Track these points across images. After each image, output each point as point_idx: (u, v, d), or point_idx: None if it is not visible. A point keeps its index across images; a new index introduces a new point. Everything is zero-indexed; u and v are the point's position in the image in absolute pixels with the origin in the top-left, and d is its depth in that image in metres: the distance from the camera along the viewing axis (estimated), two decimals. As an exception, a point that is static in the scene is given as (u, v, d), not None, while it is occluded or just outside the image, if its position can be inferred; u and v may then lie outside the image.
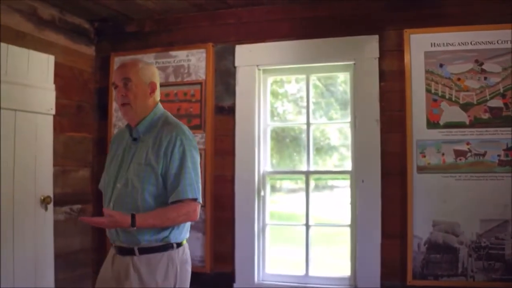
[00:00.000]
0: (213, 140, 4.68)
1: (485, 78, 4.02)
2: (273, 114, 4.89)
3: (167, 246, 2.90)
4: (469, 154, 4.02)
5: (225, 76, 4.70)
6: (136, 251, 2.85)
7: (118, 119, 4.93)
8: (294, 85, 5.31)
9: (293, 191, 4.68)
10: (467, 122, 4.04)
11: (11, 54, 4.07)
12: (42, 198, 4.27)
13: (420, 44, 4.14)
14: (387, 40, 4.25)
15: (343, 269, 4.48)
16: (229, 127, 4.65)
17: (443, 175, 4.06)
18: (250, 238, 4.51)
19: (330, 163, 7.24)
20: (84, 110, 4.98)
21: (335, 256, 6.57)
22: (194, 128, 4.62)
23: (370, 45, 4.26)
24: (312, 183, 4.62)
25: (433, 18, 4.13)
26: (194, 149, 3.00)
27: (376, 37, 4.25)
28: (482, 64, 4.03)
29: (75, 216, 4.76)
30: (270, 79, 4.79)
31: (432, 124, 4.09)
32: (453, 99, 4.06)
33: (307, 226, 4.51)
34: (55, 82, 4.46)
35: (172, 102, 4.77)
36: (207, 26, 4.79)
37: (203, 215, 4.57)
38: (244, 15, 4.67)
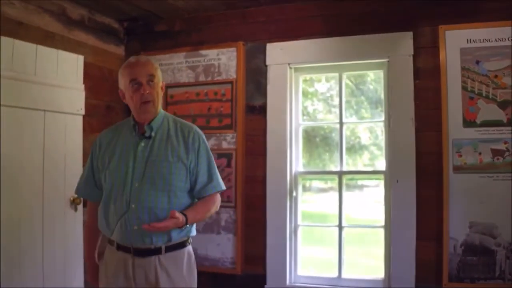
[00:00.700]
0: (244, 140, 4.63)
1: (523, 75, 3.91)
2: (303, 113, 4.82)
3: (186, 242, 2.96)
4: (506, 153, 3.91)
5: (256, 75, 4.65)
6: (163, 250, 2.85)
7: None
8: (324, 84, 5.25)
9: (323, 190, 4.61)
10: (505, 121, 3.93)
11: (40, 55, 4.05)
12: (72, 199, 4.23)
13: (456, 41, 4.03)
14: (422, 37, 4.15)
15: (377, 269, 4.39)
16: (261, 126, 4.60)
17: (480, 175, 3.95)
18: (281, 239, 4.45)
19: (360, 162, 7.17)
20: (114, 110, 4.95)
21: (368, 256, 6.49)
22: (225, 128, 4.63)
23: (404, 42, 4.17)
24: (344, 183, 4.55)
25: (469, 13, 4.03)
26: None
27: (410, 33, 4.16)
28: (520, 60, 3.92)
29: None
30: (302, 78, 4.73)
31: (468, 122, 3.98)
32: (490, 96, 3.95)
33: (340, 227, 4.43)
34: (84, 82, 4.43)
35: (202, 102, 4.74)
36: (237, 25, 4.74)
37: (234, 215, 4.55)
38: (275, 13, 4.60)
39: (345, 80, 4.65)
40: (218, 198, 3.06)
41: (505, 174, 3.90)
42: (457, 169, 3.99)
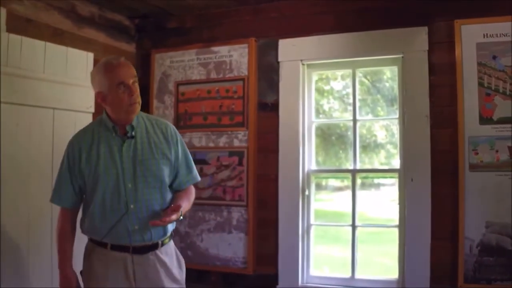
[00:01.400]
0: (256, 138, 4.57)
1: (542, 71, 3.81)
2: (318, 111, 4.77)
3: (171, 235, 3.15)
4: (525, 151, 3.81)
5: (268, 72, 4.59)
6: (160, 244, 3.00)
7: (159, 117, 4.84)
8: (340, 82, 5.20)
9: (339, 189, 4.55)
10: (523, 118, 3.83)
11: (49, 52, 4.01)
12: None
13: (472, 35, 3.93)
14: (437, 32, 4.05)
15: (393, 269, 4.30)
16: (273, 124, 4.52)
17: (497, 174, 3.84)
18: (294, 239, 4.38)
19: (376, 160, 7.12)
20: (124, 108, 4.89)
21: (384, 255, 6.43)
22: (236, 125, 4.58)
23: (419, 37, 4.07)
24: (358, 182, 4.47)
25: (485, 7, 3.91)
26: None
27: (425, 28, 4.06)
28: (538, 56, 3.81)
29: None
30: (315, 74, 4.65)
31: (485, 119, 3.88)
32: (508, 93, 3.84)
33: (354, 226, 4.34)
34: (94, 79, 4.37)
35: (214, 99, 4.69)
36: (249, 21, 4.68)
37: (245, 215, 4.50)
38: (287, 9, 4.53)
39: (360, 78, 4.58)
40: (194, 189, 3.30)
41: (523, 173, 3.80)
42: (473, 167, 3.88)
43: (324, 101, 6.05)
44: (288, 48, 4.50)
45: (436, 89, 4.04)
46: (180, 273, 3.14)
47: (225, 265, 4.55)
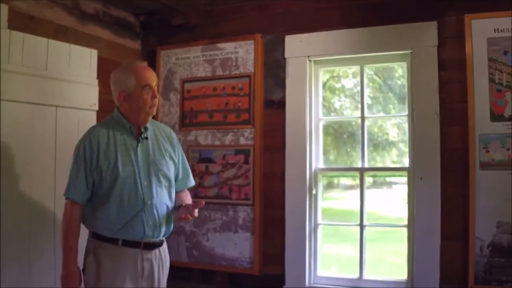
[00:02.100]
0: (262, 136, 4.50)
1: (555, 66, 3.71)
2: (330, 109, 4.71)
3: None
4: (537, 149, 3.72)
5: (274, 68, 4.51)
6: (164, 242, 3.28)
7: (164, 115, 4.85)
8: (351, 79, 5.14)
9: (351, 187, 4.49)
10: (535, 114, 3.73)
11: (52, 49, 3.98)
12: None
13: (482, 30, 3.82)
14: (447, 27, 3.95)
15: (403, 268, 4.21)
16: (279, 121, 4.45)
17: (509, 172, 3.73)
18: (301, 239, 4.30)
19: (388, 159, 7.06)
20: (130, 106, 4.85)
21: (395, 254, 6.36)
22: (242, 123, 4.51)
23: (428, 32, 3.98)
24: (369, 180, 4.40)
25: (496, 1, 3.80)
26: None
27: (435, 23, 3.96)
28: (550, 51, 3.71)
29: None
30: (322, 71, 4.57)
31: (496, 116, 3.78)
32: (520, 89, 3.76)
33: (362, 226, 4.26)
34: (98, 77, 4.35)
35: (219, 97, 4.63)
36: (255, 17, 4.61)
37: (251, 214, 4.43)
38: (293, 4, 4.45)
39: (371, 76, 4.50)
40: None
41: (535, 171, 3.71)
42: (484, 165, 3.79)
43: (335, 99, 6.01)
44: (295, 44, 4.42)
45: (446, 85, 3.94)
46: (166, 270, 3.33)
47: (231, 265, 4.49)
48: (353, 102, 4.96)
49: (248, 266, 4.43)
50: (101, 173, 3.03)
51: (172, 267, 4.62)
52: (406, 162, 4.21)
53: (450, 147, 3.91)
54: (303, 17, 4.42)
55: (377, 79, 5.41)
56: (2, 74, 3.58)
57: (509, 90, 3.75)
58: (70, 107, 4.08)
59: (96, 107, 4.31)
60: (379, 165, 4.84)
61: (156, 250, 3.17)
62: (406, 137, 4.22)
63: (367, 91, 4.44)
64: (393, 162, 6.76)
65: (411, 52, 4.08)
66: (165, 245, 3.30)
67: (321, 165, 4.48)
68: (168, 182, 3.22)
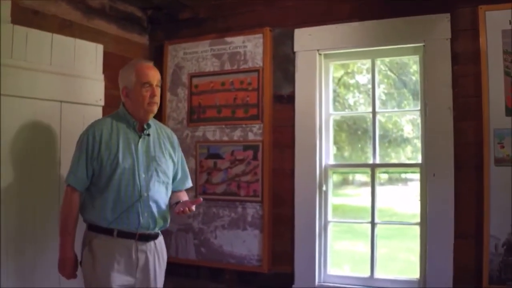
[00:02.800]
0: (272, 131, 4.42)
1: None
2: (344, 105, 4.63)
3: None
4: (553, 144, 3.60)
5: (283, 63, 4.43)
6: (160, 235, 3.39)
7: (172, 110, 4.78)
8: (365, 75, 5.10)
9: (366, 184, 4.41)
10: (551, 109, 3.62)
11: (56, 44, 3.93)
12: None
13: (497, 22, 3.71)
14: (460, 19, 3.85)
15: (414, 265, 4.14)
16: (289, 117, 4.37)
17: (525, 168, 3.64)
18: (310, 236, 4.21)
19: (403, 156, 6.99)
20: (137, 101, 4.79)
21: (408, 250, 6.29)
22: (251, 118, 4.44)
23: (441, 24, 3.87)
24: (384, 177, 4.31)
25: (511, -7, 3.71)
26: None
27: (448, 15, 3.85)
28: None
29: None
30: (332, 65, 4.47)
31: (511, 110, 3.66)
32: (535, 82, 3.65)
33: (373, 223, 4.16)
34: (105, 72, 4.30)
35: (228, 91, 4.56)
36: (263, 10, 4.52)
37: (260, 211, 4.36)
38: (302, -3, 4.36)
39: (382, 70, 4.41)
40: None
41: (553, 167, 3.59)
42: (499, 161, 3.68)
43: (349, 96, 5.97)
44: (304, 38, 4.33)
45: (460, 79, 3.84)
46: (163, 264, 3.43)
47: (240, 263, 4.42)
48: (367, 98, 4.87)
49: (257, 264, 4.35)
50: (102, 162, 3.19)
51: (180, 264, 4.61)
52: (420, 158, 4.12)
53: (463, 142, 3.81)
54: (312, 10, 4.33)
55: (392, 75, 5.35)
56: (5, 69, 3.54)
57: (525, 84, 3.65)
58: (75, 103, 4.02)
59: (102, 103, 4.26)
60: (395, 161, 4.74)
61: (151, 243, 3.29)
62: (421, 134, 4.13)
63: (381, 88, 4.36)
64: (408, 159, 6.71)
65: (424, 45, 3.97)
66: (161, 239, 3.42)
67: (331, 161, 4.39)
68: (166, 179, 3.37)
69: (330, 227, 4.33)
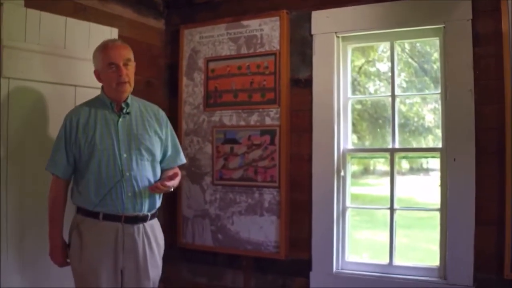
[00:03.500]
0: (289, 116, 4.34)
1: None
2: (364, 94, 4.54)
3: (157, 212, 3.44)
4: None
5: (301, 46, 4.35)
6: (149, 217, 3.31)
7: (188, 95, 4.72)
8: (386, 63, 5.02)
9: (387, 173, 4.33)
10: None
11: (70, 28, 3.90)
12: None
13: (521, 2, 3.60)
14: (482, -1, 3.74)
15: (434, 254, 4.05)
16: (306, 101, 4.29)
17: (548, 152, 3.52)
18: (328, 222, 4.15)
19: (424, 144, 6.90)
20: (153, 86, 4.76)
21: (429, 240, 6.20)
22: (268, 103, 4.37)
23: (462, 5, 3.75)
24: (406, 167, 4.22)
25: (535, -30, 3.59)
26: None
27: (469, -5, 3.75)
28: None
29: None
30: (350, 48, 4.36)
31: (534, 94, 3.56)
32: (559, 64, 3.53)
33: (392, 209, 4.08)
34: (120, 56, 4.23)
35: (244, 76, 4.49)
36: (280, -8, 4.43)
37: (277, 196, 4.29)
38: (320, -22, 4.27)
39: (403, 58, 4.30)
40: (179, 171, 3.56)
41: None
42: (522, 145, 3.57)
43: (370, 84, 5.91)
44: (322, 20, 4.24)
45: (481, 61, 3.72)
46: (157, 247, 3.38)
47: (257, 249, 4.36)
48: (387, 86, 4.79)
49: (274, 250, 4.29)
50: (80, 146, 3.22)
51: (196, 251, 4.56)
52: (440, 144, 4.02)
53: (485, 126, 3.70)
54: (330, -8, 4.23)
55: (413, 63, 5.27)
56: (19, 52, 3.53)
57: (549, 65, 3.53)
58: (89, 87, 3.91)
59: (116, 86, 4.20)
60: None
61: (140, 225, 3.26)
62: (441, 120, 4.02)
63: (402, 76, 4.25)
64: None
65: (444, 27, 3.86)
66: (153, 222, 3.39)
67: (349, 145, 4.30)
68: (151, 156, 3.36)
69: (348, 214, 4.26)
